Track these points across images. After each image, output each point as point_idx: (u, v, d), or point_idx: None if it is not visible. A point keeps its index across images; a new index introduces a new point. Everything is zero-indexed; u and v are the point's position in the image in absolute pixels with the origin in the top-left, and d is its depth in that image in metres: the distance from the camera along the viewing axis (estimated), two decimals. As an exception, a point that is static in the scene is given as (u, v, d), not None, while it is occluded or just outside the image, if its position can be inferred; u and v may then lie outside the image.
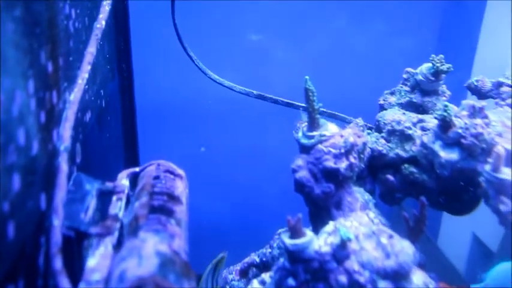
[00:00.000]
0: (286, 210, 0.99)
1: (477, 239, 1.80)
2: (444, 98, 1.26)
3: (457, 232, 1.94)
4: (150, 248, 0.60)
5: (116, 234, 0.69)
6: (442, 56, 1.23)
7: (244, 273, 1.21)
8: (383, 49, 2.09)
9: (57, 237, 0.62)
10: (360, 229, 0.86)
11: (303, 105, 1.44)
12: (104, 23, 0.94)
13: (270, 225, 1.30)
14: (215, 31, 2.02)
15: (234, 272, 1.23)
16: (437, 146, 1.06)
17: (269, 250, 1.19)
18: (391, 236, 0.83)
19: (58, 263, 0.60)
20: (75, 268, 0.66)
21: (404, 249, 0.81)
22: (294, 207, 1.00)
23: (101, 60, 1.17)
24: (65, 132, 0.73)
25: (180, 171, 0.86)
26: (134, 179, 0.87)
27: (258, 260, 1.20)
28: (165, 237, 0.64)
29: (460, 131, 1.02)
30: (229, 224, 2.15)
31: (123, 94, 1.60)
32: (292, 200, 1.10)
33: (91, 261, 0.62)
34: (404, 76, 1.32)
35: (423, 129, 1.16)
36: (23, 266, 0.56)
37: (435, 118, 1.08)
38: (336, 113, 1.45)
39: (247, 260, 1.24)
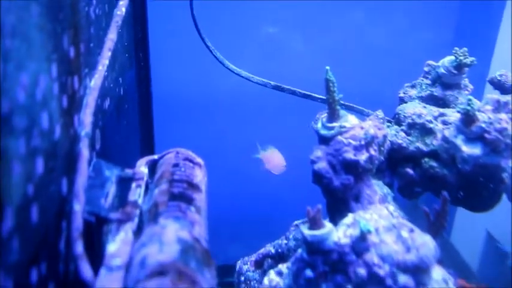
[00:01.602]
0: (301, 202, 0.98)
1: (490, 237, 1.78)
2: (466, 92, 1.24)
3: (470, 229, 1.92)
4: (171, 234, 0.59)
5: (136, 220, 0.69)
6: (465, 49, 1.20)
7: (259, 265, 1.20)
8: (400, 42, 2.07)
9: (78, 222, 0.62)
10: (380, 222, 0.84)
11: (321, 96, 1.43)
12: (124, 10, 0.93)
13: (285, 217, 1.30)
14: (232, 23, 2.01)
15: (248, 263, 1.22)
16: (459, 141, 1.04)
17: (285, 241, 1.18)
18: (412, 230, 0.82)
19: (79, 247, 0.60)
20: (95, 254, 0.66)
21: (426, 243, 0.79)
22: (308, 199, 0.99)
23: (120, 47, 1.17)
24: (86, 118, 0.73)
25: (199, 160, 0.86)
26: (153, 166, 0.86)
27: (273, 251, 1.20)
28: (186, 225, 0.64)
29: (483, 125, 1.00)
30: (243, 215, 2.15)
31: (140, 83, 1.60)
32: (307, 191, 1.09)
33: (111, 247, 0.62)
34: (426, 69, 1.30)
35: (445, 123, 1.14)
36: (46, 250, 0.56)
37: (458, 112, 1.06)
38: (354, 106, 1.44)
39: (262, 251, 1.23)
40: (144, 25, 1.59)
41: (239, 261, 1.28)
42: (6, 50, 0.45)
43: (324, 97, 1.38)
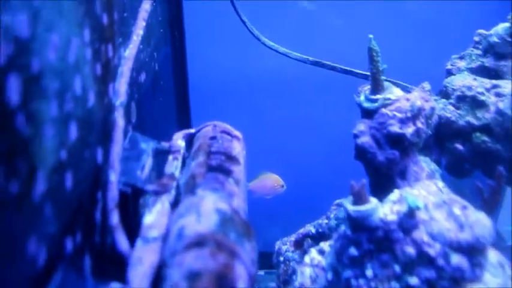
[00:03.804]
0: (341, 183, 0.93)
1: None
2: (523, 62, 1.15)
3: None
4: (209, 205, 0.56)
5: (173, 192, 0.67)
6: (521, 14, 1.11)
7: (299, 245, 1.17)
8: (444, 14, 1.95)
9: (113, 192, 0.60)
10: (429, 198, 0.79)
11: (363, 72, 1.37)
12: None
13: (325, 200, 1.25)
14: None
15: (288, 243, 1.19)
16: (515, 113, 0.97)
17: (326, 221, 1.14)
18: (465, 207, 0.76)
19: (115, 218, 0.58)
20: (132, 226, 0.64)
21: (481, 221, 0.73)
22: (349, 180, 0.94)
23: (155, 22, 1.14)
24: (121, 87, 0.71)
25: (237, 133, 0.83)
26: (190, 140, 0.84)
27: (313, 230, 1.16)
28: (224, 196, 0.61)
29: (543, 95, 0.92)
30: (281, 197, 2.12)
31: (176, 62, 1.58)
32: (348, 174, 1.04)
33: (148, 218, 0.59)
34: (476, 39, 1.21)
35: (498, 95, 1.06)
36: (81, 220, 0.54)
37: (514, 82, 0.98)
38: (398, 82, 1.37)
39: (302, 231, 1.19)
40: (179, 3, 1.56)
41: (278, 242, 1.25)
42: (36, 9, 0.43)
43: (365, 73, 1.32)
